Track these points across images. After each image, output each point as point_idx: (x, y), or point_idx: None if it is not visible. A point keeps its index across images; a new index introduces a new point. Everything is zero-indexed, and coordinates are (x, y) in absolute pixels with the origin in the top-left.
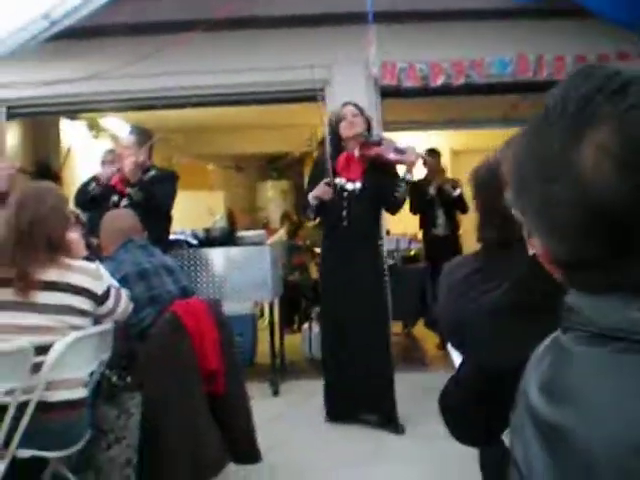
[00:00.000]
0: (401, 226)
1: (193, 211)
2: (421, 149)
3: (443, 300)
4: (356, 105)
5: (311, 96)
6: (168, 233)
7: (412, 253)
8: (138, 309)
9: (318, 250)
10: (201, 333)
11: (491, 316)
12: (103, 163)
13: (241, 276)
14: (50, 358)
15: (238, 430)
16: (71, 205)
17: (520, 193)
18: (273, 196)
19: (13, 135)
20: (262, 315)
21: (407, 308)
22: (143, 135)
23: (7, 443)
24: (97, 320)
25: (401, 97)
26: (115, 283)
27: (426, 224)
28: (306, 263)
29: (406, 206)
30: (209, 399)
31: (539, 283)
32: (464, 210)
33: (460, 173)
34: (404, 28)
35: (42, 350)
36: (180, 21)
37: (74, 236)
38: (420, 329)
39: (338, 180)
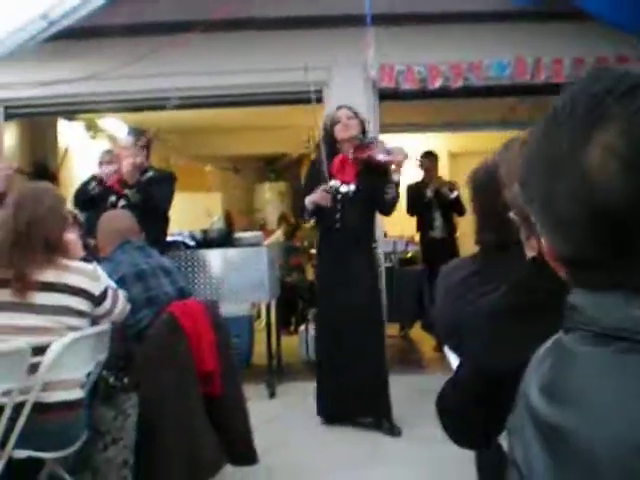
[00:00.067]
0: (398, 228)
1: (190, 212)
2: (419, 151)
3: (440, 302)
4: (350, 108)
5: (309, 98)
6: (165, 234)
7: (409, 255)
8: (135, 310)
9: (315, 252)
10: (198, 334)
11: (489, 319)
12: (101, 164)
13: (238, 277)
14: (47, 359)
15: (235, 431)
16: (69, 205)
17: (528, 191)
18: (270, 198)
19: (11, 135)
20: (259, 316)
21: (404, 310)
22: (141, 136)
23: (3, 444)
24: (94, 321)
25: (399, 99)
26: (112, 284)
27: (423, 226)
28: (303, 265)
29: (403, 208)
30: (206, 400)
31: (537, 285)
32: (461, 212)
33: (458, 176)
34: (402, 30)
35: (39, 351)
36: (177, 22)
37: (71, 237)
38: (417, 331)
39: (333, 182)
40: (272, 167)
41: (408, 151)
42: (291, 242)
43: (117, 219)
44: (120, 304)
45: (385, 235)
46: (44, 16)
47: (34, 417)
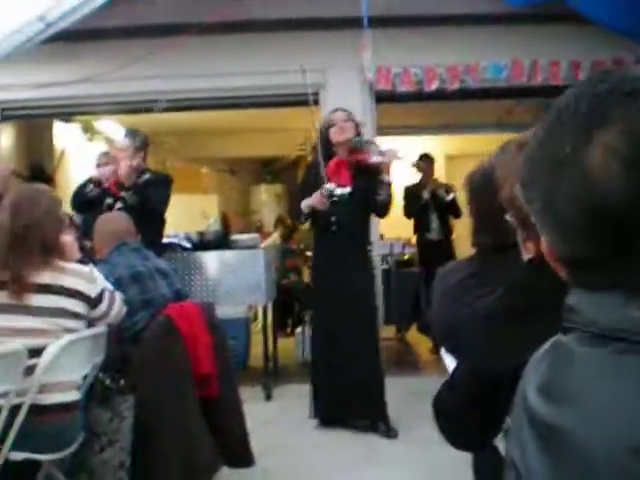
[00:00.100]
0: (395, 231)
1: (187, 214)
2: (415, 154)
3: (437, 305)
4: (346, 110)
5: (305, 100)
6: (162, 236)
7: (406, 258)
8: (132, 312)
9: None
10: (194, 336)
11: (485, 321)
12: (98, 166)
13: (235, 279)
14: (44, 361)
15: (231, 434)
16: (65, 208)
17: (529, 190)
18: (267, 200)
19: (7, 137)
20: (255, 319)
21: (401, 313)
22: (138, 138)
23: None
24: (91, 323)
25: (396, 102)
26: (109, 286)
27: (420, 229)
28: (300, 267)
29: (400, 211)
30: (202, 402)
31: (533, 288)
32: (457, 215)
33: (455, 178)
34: (399, 33)
35: (35, 353)
36: (173, 25)
37: (68, 239)
38: (414, 334)
39: (328, 185)
40: (268, 169)
41: (402, 153)
42: (288, 244)
43: (113, 221)
44: (116, 306)
45: (382, 237)
46: (41, 18)
47: (30, 419)
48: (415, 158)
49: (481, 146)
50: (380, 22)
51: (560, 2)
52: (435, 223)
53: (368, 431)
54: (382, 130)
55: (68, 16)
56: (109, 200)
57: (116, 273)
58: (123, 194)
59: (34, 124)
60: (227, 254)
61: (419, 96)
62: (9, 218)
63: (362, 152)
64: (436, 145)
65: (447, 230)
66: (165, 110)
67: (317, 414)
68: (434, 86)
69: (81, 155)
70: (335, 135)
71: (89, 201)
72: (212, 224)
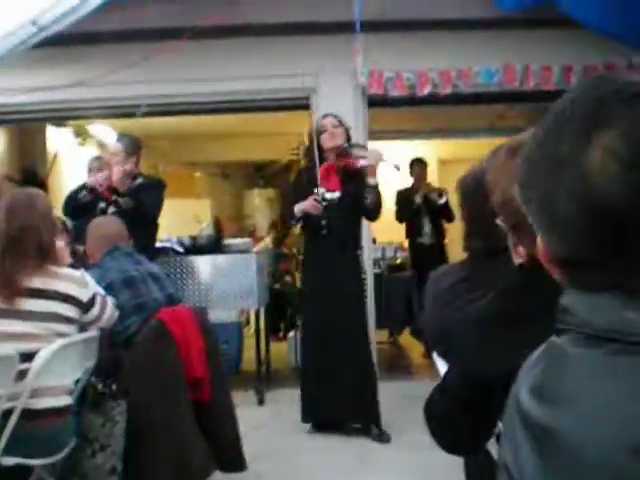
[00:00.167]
0: (387, 235)
1: (180, 218)
2: (408, 158)
3: (429, 309)
4: (336, 116)
5: (298, 104)
6: (154, 241)
7: (398, 262)
8: (124, 316)
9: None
10: (187, 341)
11: (476, 325)
12: (90, 170)
13: (227, 284)
14: (35, 365)
15: (223, 438)
16: (57, 212)
17: (527, 191)
18: (260, 204)
19: None
20: (248, 323)
21: (393, 316)
22: (130, 142)
23: None
24: (83, 327)
25: (388, 106)
26: (101, 290)
27: (412, 233)
28: (292, 271)
29: (392, 215)
30: (194, 407)
31: (524, 292)
32: (450, 219)
33: (447, 182)
34: (391, 37)
35: (27, 357)
36: (166, 29)
37: (59, 244)
38: (406, 338)
39: (318, 190)
40: (261, 173)
41: (387, 155)
42: (280, 249)
43: (105, 225)
44: (108, 310)
45: (374, 241)
46: (34, 22)
47: (22, 424)
48: (405, 162)
49: (474, 150)
50: (373, 27)
51: (551, 7)
52: (427, 227)
53: (361, 435)
54: (374, 135)
55: (61, 20)
56: (102, 204)
57: (108, 277)
58: (118, 199)
59: (26, 128)
60: (220, 258)
61: (411, 100)
62: (4, 220)
63: (349, 157)
64: (429, 149)
65: (439, 234)
66: (160, 115)
67: (307, 418)
68: (426, 91)
69: (73, 159)
70: (326, 141)
71: (82, 206)
72: (205, 228)
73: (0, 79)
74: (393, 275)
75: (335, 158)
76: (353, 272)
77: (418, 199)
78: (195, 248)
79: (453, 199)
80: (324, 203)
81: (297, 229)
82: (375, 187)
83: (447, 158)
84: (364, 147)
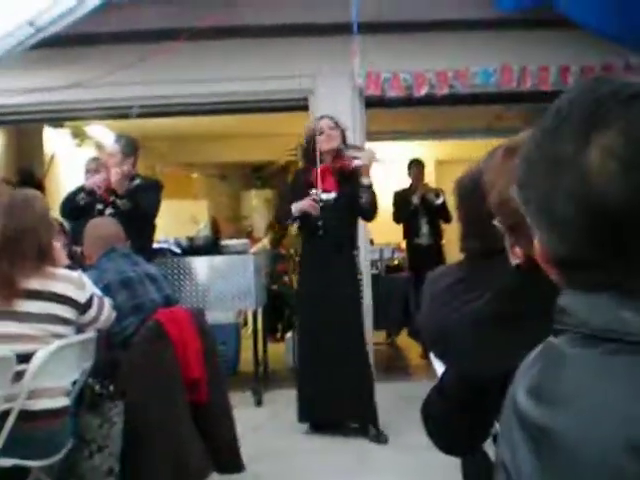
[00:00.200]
0: (385, 236)
1: (177, 220)
2: (405, 159)
3: (426, 309)
4: (332, 118)
5: (295, 106)
6: (152, 242)
7: (395, 262)
8: (121, 318)
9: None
10: (184, 342)
11: (473, 326)
12: (87, 171)
13: (225, 285)
14: (32, 366)
15: (221, 439)
16: (55, 214)
17: (525, 191)
18: (257, 205)
19: None
20: (245, 324)
21: (390, 317)
22: (127, 143)
23: None
24: (80, 329)
25: (385, 107)
26: (98, 292)
27: (409, 233)
28: (289, 272)
29: (389, 215)
30: (192, 408)
31: (521, 293)
32: (447, 219)
33: (444, 183)
34: (388, 38)
35: (24, 358)
36: (164, 30)
37: (57, 245)
38: (404, 338)
39: (314, 191)
40: (258, 174)
41: (380, 154)
42: (277, 250)
43: (102, 226)
44: (106, 312)
45: (372, 242)
46: (31, 23)
47: (20, 425)
48: (402, 163)
49: (471, 151)
50: (370, 28)
51: (549, 7)
52: (425, 228)
53: (358, 436)
54: (372, 135)
55: (58, 21)
56: (99, 206)
57: (105, 279)
58: (116, 200)
59: (24, 129)
60: (217, 259)
61: (409, 101)
62: (1, 221)
63: (344, 158)
64: (426, 150)
65: (437, 235)
66: (157, 116)
67: (304, 419)
68: (423, 91)
69: (71, 160)
70: (322, 143)
71: (80, 208)
72: (202, 229)
73: None
74: (391, 276)
75: (331, 160)
76: (349, 273)
77: (415, 200)
78: (192, 249)
79: (450, 200)
80: (320, 204)
81: (294, 230)
82: (369, 187)
83: (444, 159)
84: (359, 147)
